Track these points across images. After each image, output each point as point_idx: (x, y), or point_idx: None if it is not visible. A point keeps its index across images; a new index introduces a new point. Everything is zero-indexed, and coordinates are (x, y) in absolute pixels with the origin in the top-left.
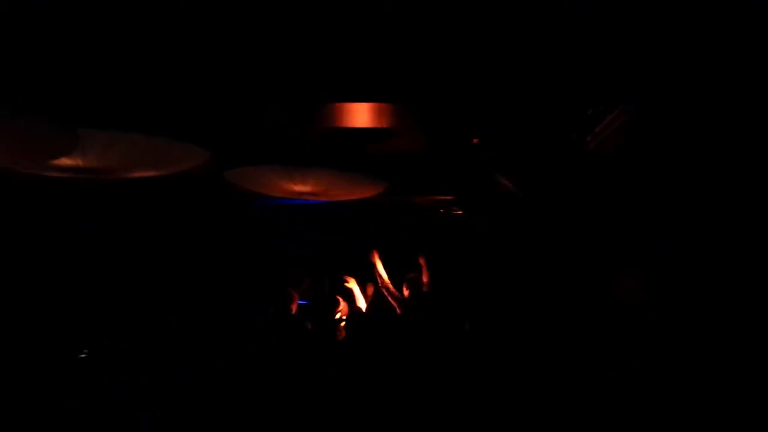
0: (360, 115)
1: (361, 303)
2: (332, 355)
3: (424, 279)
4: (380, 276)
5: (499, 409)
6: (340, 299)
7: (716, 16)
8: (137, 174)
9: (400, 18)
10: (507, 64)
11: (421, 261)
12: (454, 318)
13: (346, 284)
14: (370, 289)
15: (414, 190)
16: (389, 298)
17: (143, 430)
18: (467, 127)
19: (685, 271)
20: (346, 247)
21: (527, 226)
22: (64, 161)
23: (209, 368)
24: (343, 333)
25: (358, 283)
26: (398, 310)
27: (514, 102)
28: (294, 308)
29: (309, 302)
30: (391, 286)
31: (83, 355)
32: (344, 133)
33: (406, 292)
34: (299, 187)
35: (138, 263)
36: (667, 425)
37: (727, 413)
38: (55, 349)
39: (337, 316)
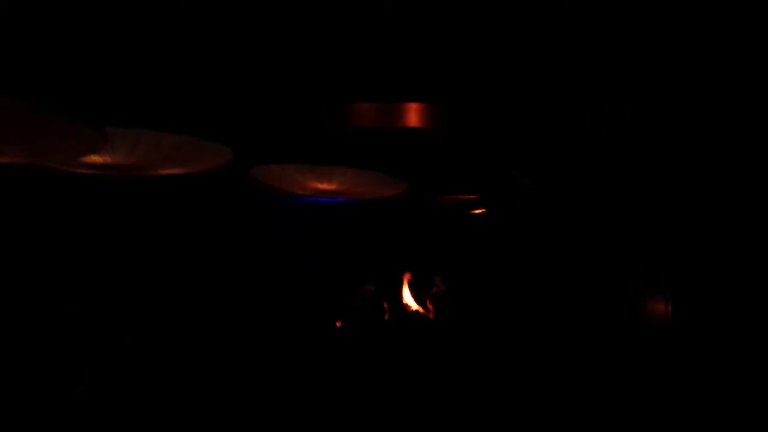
0: (384, 114)
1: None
2: (337, 354)
3: (447, 295)
4: (406, 302)
5: (510, 412)
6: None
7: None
8: (164, 171)
9: (424, 17)
10: (528, 59)
11: (438, 281)
12: (471, 317)
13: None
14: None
15: (436, 189)
16: (414, 317)
17: (140, 427)
18: (489, 126)
19: (708, 282)
20: (368, 247)
21: (547, 223)
22: (94, 158)
23: (210, 368)
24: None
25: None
26: (421, 319)
27: (534, 99)
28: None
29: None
30: (416, 307)
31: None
32: (368, 133)
33: (430, 307)
34: (323, 185)
35: (158, 259)
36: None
37: (740, 420)
38: (60, 345)
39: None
